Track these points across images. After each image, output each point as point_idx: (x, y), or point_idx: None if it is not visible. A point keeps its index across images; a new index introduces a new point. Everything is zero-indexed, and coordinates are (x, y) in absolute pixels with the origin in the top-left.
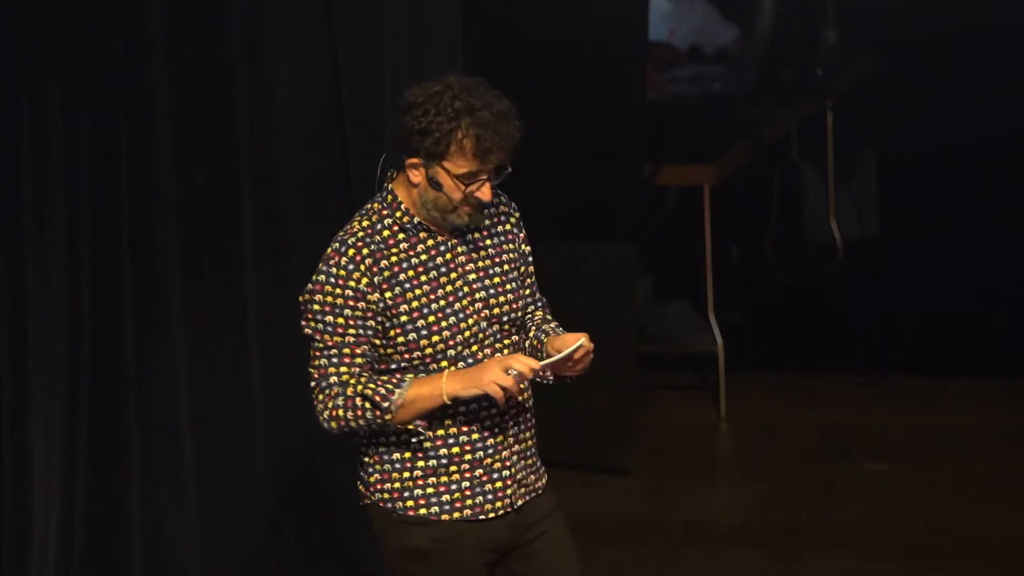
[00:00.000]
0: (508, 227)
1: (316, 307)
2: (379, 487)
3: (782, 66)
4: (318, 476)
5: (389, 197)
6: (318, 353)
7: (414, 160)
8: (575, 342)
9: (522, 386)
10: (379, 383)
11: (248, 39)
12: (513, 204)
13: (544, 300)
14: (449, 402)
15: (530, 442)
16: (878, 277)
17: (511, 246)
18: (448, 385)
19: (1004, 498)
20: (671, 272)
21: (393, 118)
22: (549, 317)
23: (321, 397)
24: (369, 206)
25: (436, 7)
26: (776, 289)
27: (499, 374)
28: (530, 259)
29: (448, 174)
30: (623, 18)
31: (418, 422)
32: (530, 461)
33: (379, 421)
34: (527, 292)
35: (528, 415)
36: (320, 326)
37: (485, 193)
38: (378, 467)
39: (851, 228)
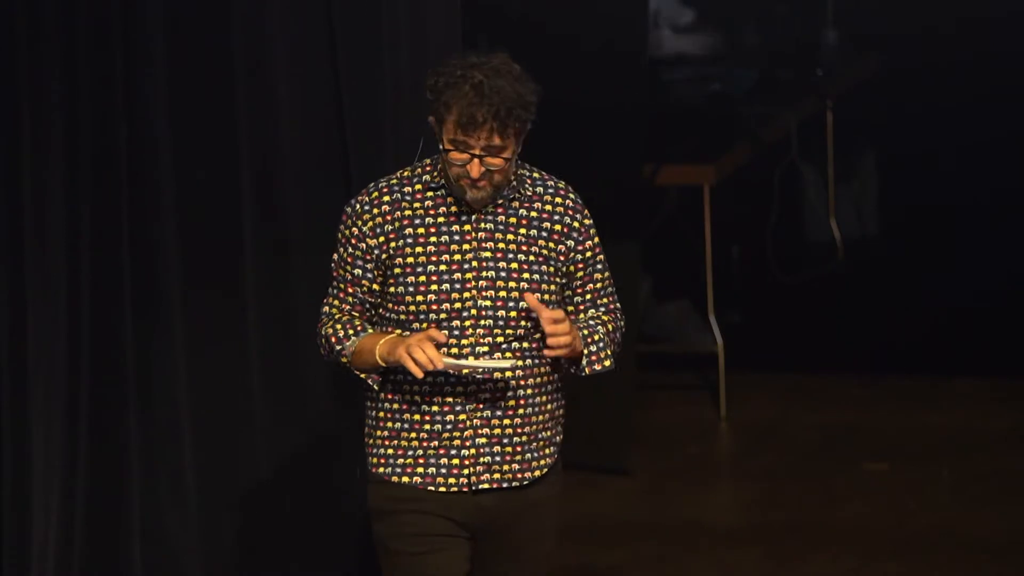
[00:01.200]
0: (560, 227)
1: (338, 235)
2: (365, 441)
3: (782, 66)
4: (318, 476)
5: (439, 156)
6: (331, 280)
7: (431, 118)
8: (506, 363)
9: (435, 367)
10: (348, 326)
11: (248, 40)
12: (585, 212)
13: (611, 308)
14: (382, 363)
15: (511, 431)
16: (878, 277)
17: (552, 244)
18: (381, 346)
19: (1004, 498)
20: (671, 272)
21: (393, 119)
22: (606, 319)
23: (319, 324)
24: (422, 160)
25: (436, 8)
26: (776, 289)
27: (414, 348)
28: (598, 266)
29: (443, 138)
30: (623, 19)
31: (373, 376)
32: (508, 449)
33: (341, 363)
34: (576, 292)
35: (515, 404)
36: (336, 255)
37: (473, 169)
38: (366, 423)
39: (851, 228)
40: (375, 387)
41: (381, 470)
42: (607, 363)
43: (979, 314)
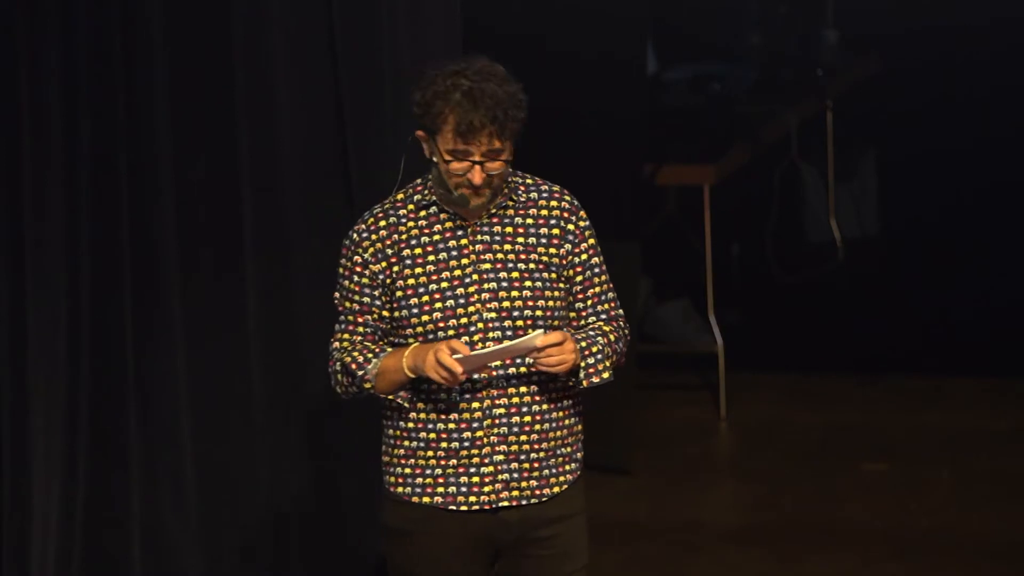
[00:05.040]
0: (556, 231)
1: (340, 269)
2: (383, 459)
3: (782, 66)
4: (318, 476)
5: (431, 173)
6: (337, 316)
7: (420, 133)
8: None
9: (470, 376)
10: (364, 351)
11: (248, 39)
12: (581, 214)
13: (614, 315)
14: (412, 375)
15: (528, 447)
16: (878, 277)
17: (552, 250)
18: (407, 358)
19: (1004, 498)
20: (671, 272)
21: (394, 119)
22: (607, 329)
23: (330, 361)
24: (405, 177)
25: (435, 9)
26: (776, 289)
27: (442, 355)
28: (596, 269)
29: (440, 149)
30: (623, 20)
31: (401, 394)
32: (527, 466)
33: (363, 389)
34: (578, 298)
35: (531, 420)
36: (339, 290)
37: (475, 176)
38: (383, 440)
39: (851, 228)
40: (405, 404)
41: (399, 489)
42: (605, 375)
43: (978, 314)
